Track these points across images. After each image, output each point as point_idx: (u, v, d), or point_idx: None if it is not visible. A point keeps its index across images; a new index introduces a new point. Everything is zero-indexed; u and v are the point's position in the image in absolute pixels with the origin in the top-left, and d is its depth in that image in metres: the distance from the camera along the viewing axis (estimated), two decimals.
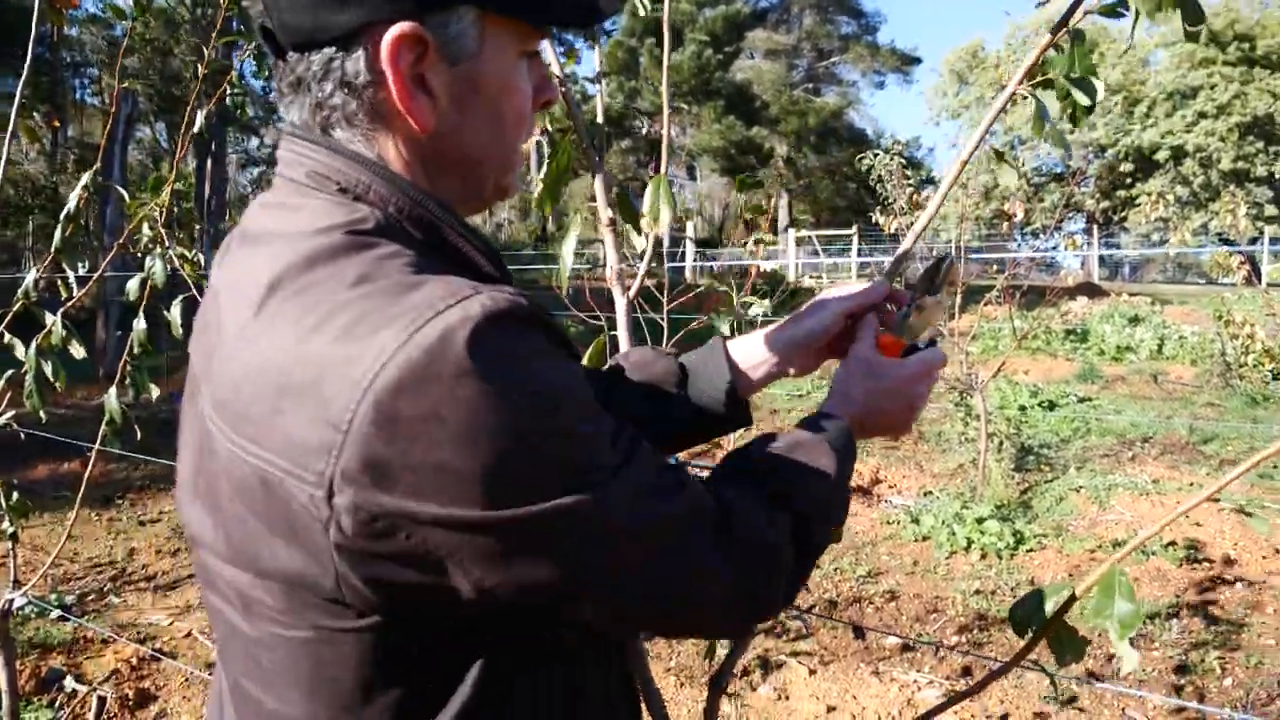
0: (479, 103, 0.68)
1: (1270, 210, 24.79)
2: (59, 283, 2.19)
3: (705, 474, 0.83)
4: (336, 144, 0.67)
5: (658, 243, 1.36)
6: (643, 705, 1.05)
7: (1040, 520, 4.83)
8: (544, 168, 1.27)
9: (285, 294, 0.60)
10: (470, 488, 0.54)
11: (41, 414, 2.05)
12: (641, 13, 1.22)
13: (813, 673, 3.26)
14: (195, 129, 2.32)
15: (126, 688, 3.13)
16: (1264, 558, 4.22)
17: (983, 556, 4.38)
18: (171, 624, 3.74)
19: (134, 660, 3.32)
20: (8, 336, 1.96)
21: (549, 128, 1.29)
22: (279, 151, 0.70)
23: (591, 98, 1.40)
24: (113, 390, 2.07)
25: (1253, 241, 21.27)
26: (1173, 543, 4.30)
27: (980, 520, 4.61)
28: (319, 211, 0.64)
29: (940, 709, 1.22)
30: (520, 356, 0.57)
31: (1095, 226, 28.38)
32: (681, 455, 1.19)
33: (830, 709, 3.03)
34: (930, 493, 5.39)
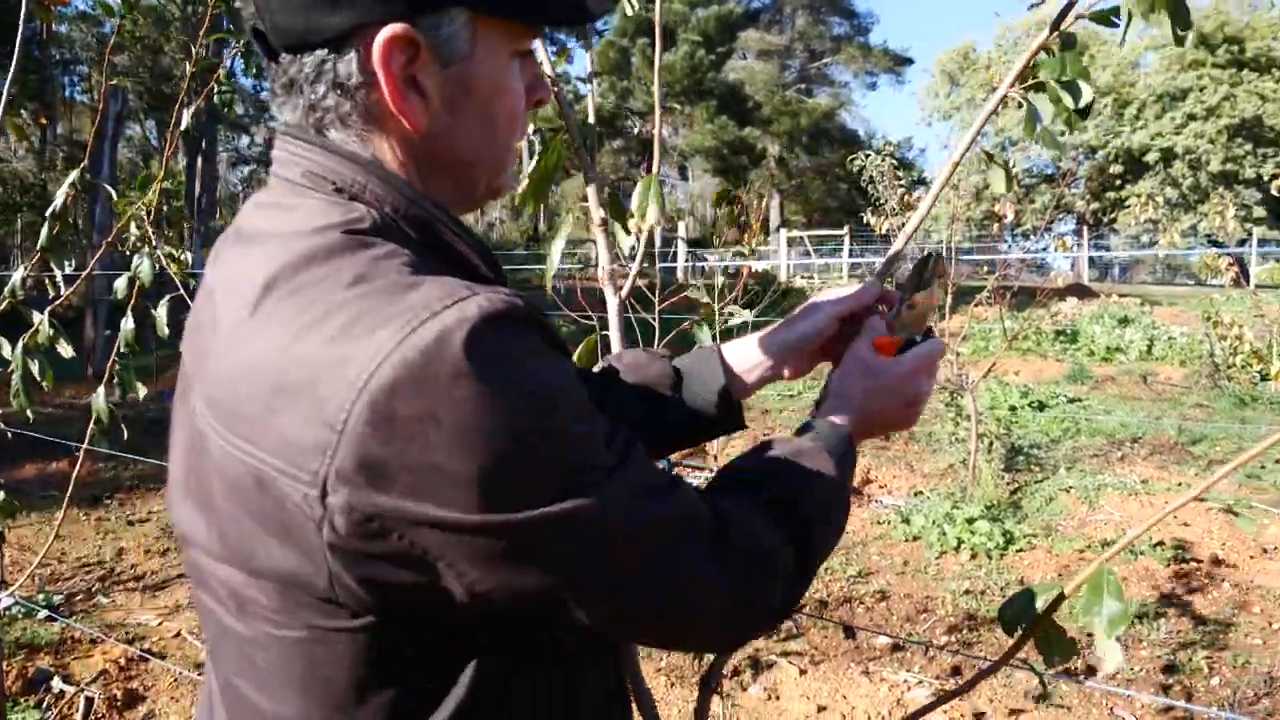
0: (471, 103, 0.68)
1: (1259, 212, 24.92)
2: (46, 281, 2.18)
3: (697, 477, 0.82)
4: (332, 144, 0.67)
5: (649, 242, 1.36)
6: (633, 705, 1.05)
7: (1030, 520, 4.85)
8: (531, 166, 1.26)
9: (281, 293, 0.59)
10: (465, 489, 0.54)
11: (29, 413, 2.03)
12: (630, 12, 1.22)
13: (803, 672, 3.27)
14: (183, 127, 2.31)
15: (115, 688, 3.11)
16: (1251, 558, 4.24)
17: (973, 556, 4.40)
18: (160, 624, 3.72)
19: (122, 661, 3.31)
20: None
21: (540, 126, 1.29)
22: (274, 151, 0.70)
23: (584, 98, 1.40)
24: (100, 389, 2.06)
25: (1241, 243, 21.42)
26: (1161, 543, 4.32)
27: (970, 520, 4.62)
28: (315, 211, 0.64)
29: (929, 708, 1.22)
30: (516, 358, 0.57)
31: (1085, 228, 28.50)
32: (671, 457, 1.20)
33: (821, 709, 3.03)
34: (921, 493, 5.40)
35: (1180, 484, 5.41)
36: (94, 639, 3.49)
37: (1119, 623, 0.99)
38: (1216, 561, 4.22)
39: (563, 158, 1.28)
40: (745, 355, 0.99)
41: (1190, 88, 26.60)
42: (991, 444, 5.39)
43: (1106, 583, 1.01)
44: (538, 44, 1.24)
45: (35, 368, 1.95)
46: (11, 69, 1.98)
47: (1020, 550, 4.44)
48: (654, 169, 1.36)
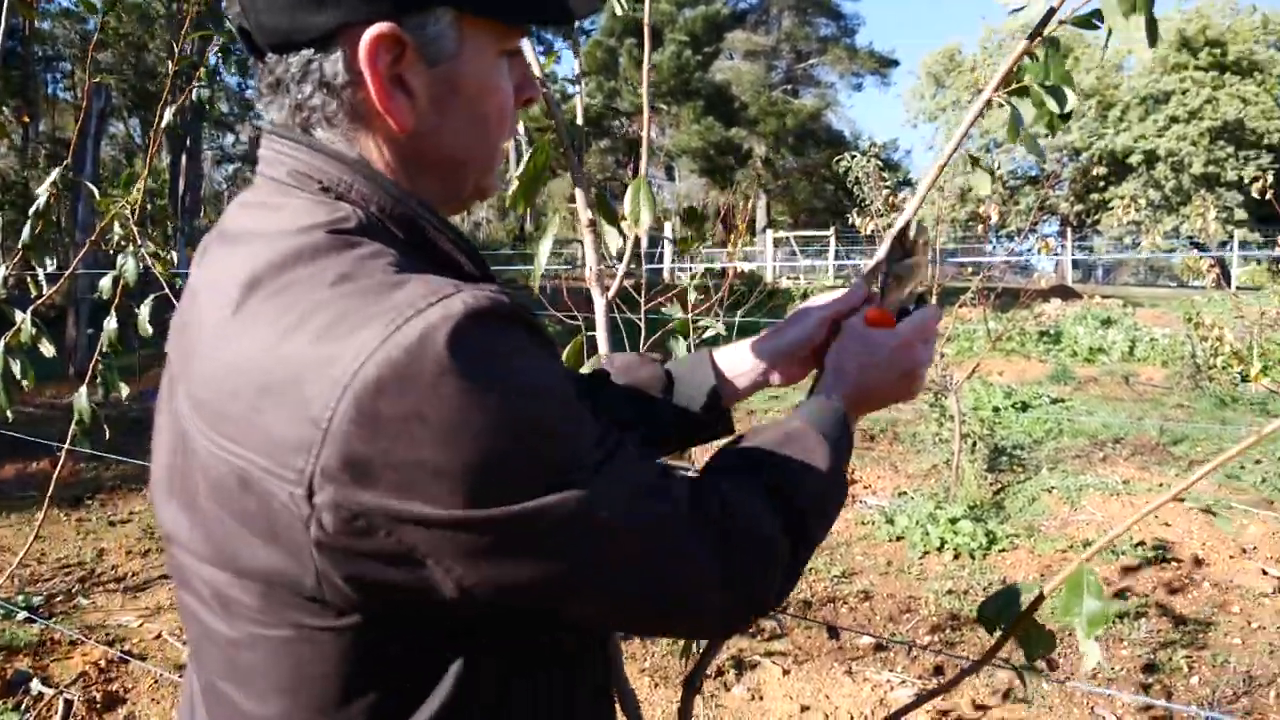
0: (459, 103, 0.68)
1: (1240, 215, 25.14)
2: (28, 280, 2.16)
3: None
4: (318, 143, 0.67)
5: (636, 243, 1.36)
6: (617, 707, 1.05)
7: (1013, 520, 4.88)
8: (520, 167, 1.27)
9: (265, 293, 0.59)
10: (452, 486, 0.54)
11: (9, 413, 2.02)
12: (619, 12, 1.22)
13: (787, 673, 3.28)
14: (165, 124, 2.29)
15: (94, 690, 3.09)
16: (1231, 558, 4.28)
17: (956, 556, 4.42)
18: (141, 625, 3.70)
19: (102, 662, 3.29)
20: None
21: (528, 126, 1.29)
22: (260, 150, 0.70)
23: (571, 98, 1.41)
24: (83, 389, 2.05)
25: (1223, 245, 21.60)
26: (1142, 543, 4.35)
27: (954, 520, 4.65)
28: (300, 210, 0.64)
29: (911, 707, 1.23)
30: (502, 355, 0.57)
31: (1069, 229, 28.68)
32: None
33: (804, 709, 3.04)
34: (905, 493, 5.42)
35: (1161, 484, 5.46)
36: (74, 640, 3.47)
37: (1098, 621, 1.00)
38: (1197, 561, 4.26)
39: (551, 158, 1.29)
40: (736, 361, 0.99)
41: (1173, 90, 26.81)
42: (975, 444, 5.42)
43: (1086, 582, 1.02)
44: (525, 44, 1.24)
45: (17, 367, 1.94)
46: None
47: (1003, 550, 4.47)
48: (642, 170, 1.36)
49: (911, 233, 0.95)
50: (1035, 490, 5.34)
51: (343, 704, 0.62)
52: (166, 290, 2.22)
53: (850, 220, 7.02)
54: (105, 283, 2.07)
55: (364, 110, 0.66)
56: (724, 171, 28.06)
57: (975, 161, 1.17)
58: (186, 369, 0.65)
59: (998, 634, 1.07)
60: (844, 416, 0.85)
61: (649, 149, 1.49)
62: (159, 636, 3.59)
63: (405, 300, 0.56)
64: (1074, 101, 1.03)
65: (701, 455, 2.89)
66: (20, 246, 2.02)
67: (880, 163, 6.87)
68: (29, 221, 2.02)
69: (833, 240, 23.67)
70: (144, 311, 2.17)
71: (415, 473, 0.53)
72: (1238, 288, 15.48)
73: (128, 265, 2.16)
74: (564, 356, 1.29)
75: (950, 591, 4.01)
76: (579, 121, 1.29)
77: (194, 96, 2.44)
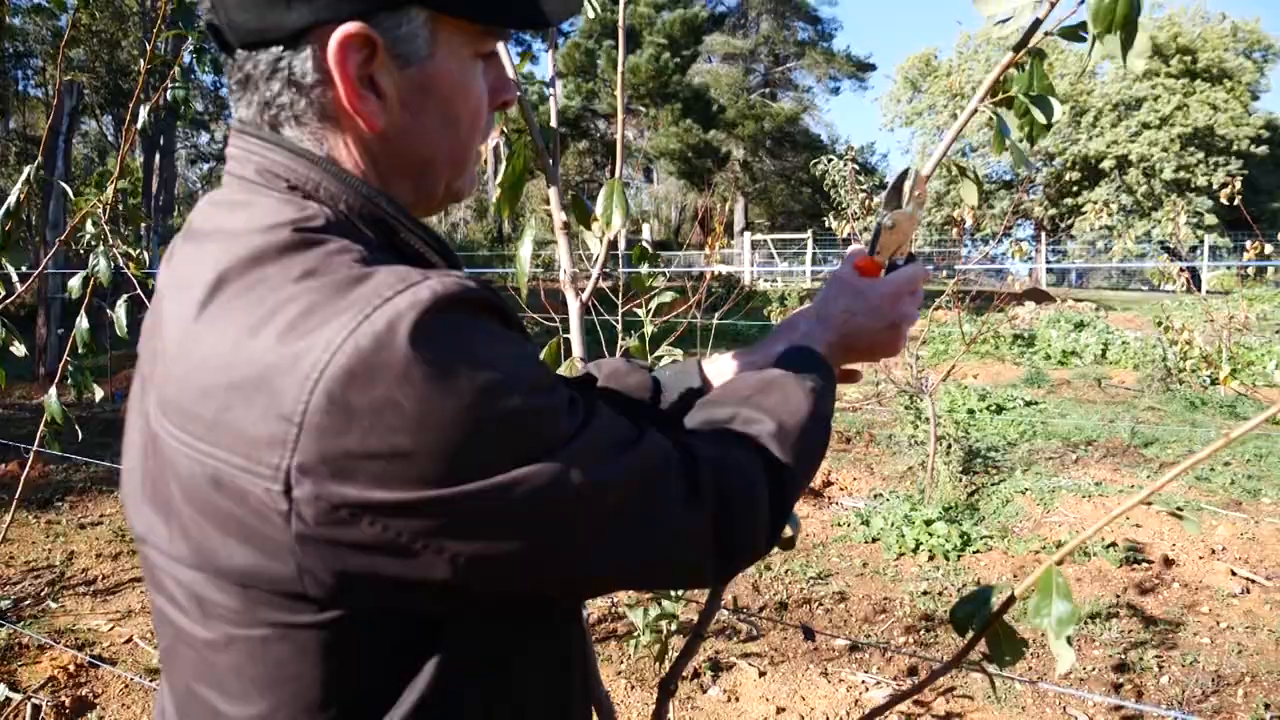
0: (431, 104, 0.68)
1: (1210, 220, 25.50)
2: None
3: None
4: (286, 141, 0.66)
5: (612, 245, 1.36)
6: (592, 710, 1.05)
7: (987, 522, 4.92)
8: (500, 172, 1.26)
9: (231, 291, 0.59)
10: (431, 467, 0.54)
11: None
12: (592, 14, 1.22)
13: (762, 674, 3.29)
14: (139, 124, 2.27)
15: (63, 695, 3.05)
16: (1200, 558, 4.34)
17: (930, 558, 4.45)
18: (112, 629, 3.65)
19: (71, 667, 3.24)
20: None
21: (505, 129, 1.29)
22: (228, 149, 0.70)
23: (549, 99, 1.40)
24: (53, 390, 2.02)
25: (1193, 250, 21.88)
26: (1113, 544, 4.40)
27: (929, 522, 4.68)
28: (268, 209, 0.64)
29: (883, 708, 1.24)
30: (471, 338, 0.57)
31: (1043, 233, 28.97)
32: None
33: (780, 710, 3.05)
34: (880, 495, 5.46)
35: (1133, 485, 5.52)
36: (42, 645, 3.42)
37: (1068, 623, 1.01)
38: (1167, 562, 4.31)
39: (528, 160, 1.29)
40: (724, 370, 1.00)
41: (1145, 97, 27.18)
42: (950, 447, 5.46)
43: (1056, 585, 1.03)
44: (502, 46, 1.24)
45: None
46: None
47: (977, 551, 4.50)
48: (617, 172, 1.36)
49: (908, 183, 0.95)
50: (1009, 492, 5.39)
51: (322, 701, 0.62)
52: (139, 290, 2.20)
53: (827, 223, 7.06)
54: (75, 282, 2.05)
55: (333, 110, 0.65)
56: (702, 174, 28.11)
57: (962, 171, 1.17)
58: (155, 370, 0.64)
59: (969, 635, 1.08)
60: (825, 362, 0.86)
61: (626, 152, 1.49)
62: (130, 640, 3.55)
63: (372, 290, 0.56)
64: (1059, 112, 1.04)
65: None
66: None
67: (857, 166, 6.91)
68: None
69: (810, 243, 23.79)
70: (120, 312, 2.15)
71: (393, 459, 0.54)
72: (1207, 292, 15.70)
73: (100, 265, 2.14)
74: (542, 358, 1.29)
75: (925, 593, 4.03)
76: (553, 124, 1.29)
77: (168, 96, 2.42)
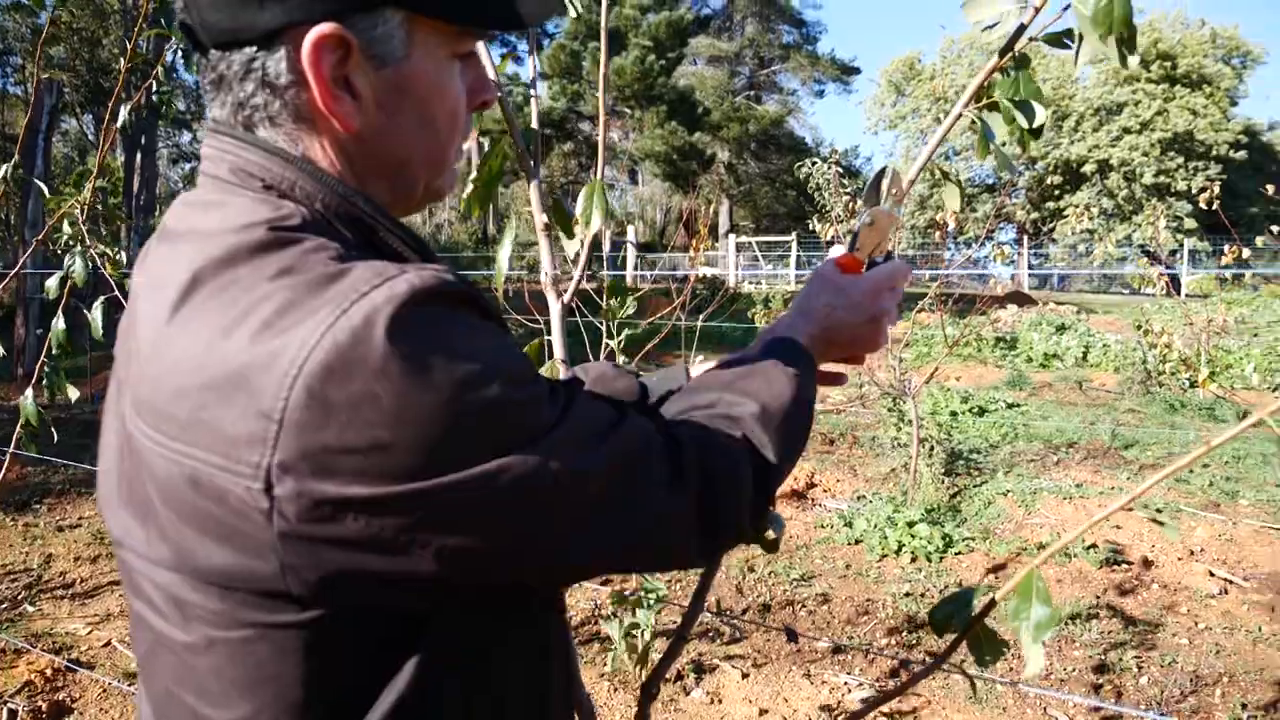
0: (408, 104, 0.67)
1: (1190, 224, 25.74)
2: None
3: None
4: (260, 140, 0.66)
5: (596, 246, 1.36)
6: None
7: (969, 524, 4.95)
8: (475, 171, 1.26)
9: (207, 291, 0.59)
10: (412, 460, 0.54)
11: None
12: (573, 14, 1.22)
13: (745, 676, 3.29)
14: (119, 123, 2.25)
15: (40, 700, 3.02)
16: (1179, 560, 4.37)
17: (913, 559, 4.47)
18: (90, 633, 3.61)
19: (48, 671, 3.21)
20: None
21: (490, 129, 1.28)
22: (203, 148, 0.69)
23: (535, 100, 1.40)
24: (29, 391, 2.00)
25: (1172, 254, 22.09)
26: (1094, 545, 4.43)
27: (911, 524, 4.70)
28: (243, 208, 0.63)
29: (865, 710, 1.24)
30: (449, 330, 0.57)
31: (1025, 236, 29.16)
32: None
33: (763, 712, 3.06)
34: (863, 497, 5.47)
35: (1113, 487, 5.56)
36: (19, 649, 3.38)
37: (1047, 626, 1.01)
38: (1147, 563, 4.34)
39: (508, 161, 1.28)
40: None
41: (1125, 102, 27.41)
42: (932, 449, 5.48)
43: (1036, 588, 1.03)
44: (481, 46, 1.23)
45: None
46: None
47: (959, 553, 4.52)
48: (598, 174, 1.36)
49: (885, 181, 0.96)
50: (991, 494, 5.41)
51: (304, 701, 0.61)
52: (117, 291, 2.18)
53: (811, 226, 7.09)
54: (52, 283, 2.03)
55: (308, 111, 0.65)
56: (687, 176, 28.15)
57: (945, 175, 1.18)
58: (130, 372, 0.64)
59: (950, 638, 1.08)
60: (807, 352, 0.87)
61: (610, 153, 1.49)
62: (108, 644, 3.51)
63: (349, 286, 0.56)
64: (1043, 116, 1.04)
65: None
66: None
67: (841, 169, 6.94)
68: None
69: (794, 245, 23.85)
70: (96, 313, 2.13)
71: (374, 453, 0.53)
72: (1187, 295, 15.84)
73: (76, 265, 2.11)
74: None
75: (908, 594, 4.05)
76: (535, 126, 1.29)
77: (150, 96, 2.40)
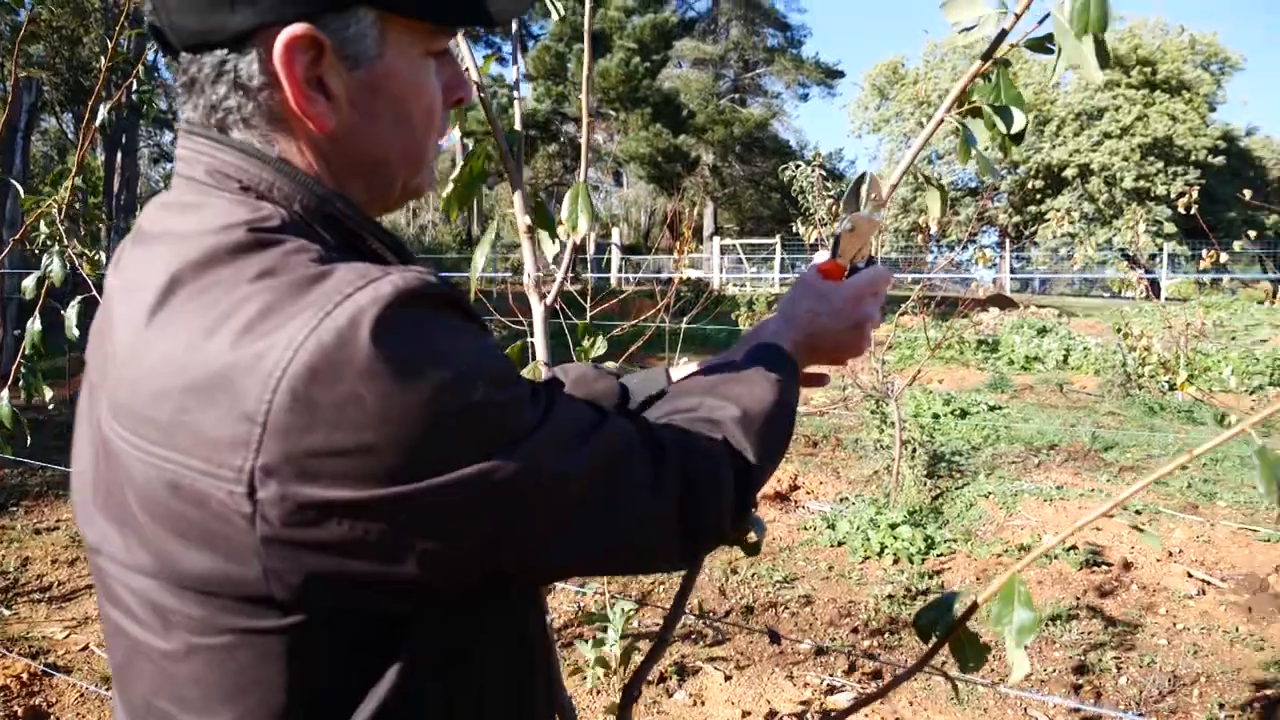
0: (382, 103, 0.67)
1: (1169, 228, 25.99)
2: None
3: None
4: (236, 141, 0.65)
5: (580, 249, 1.36)
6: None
7: (951, 525, 4.97)
8: (456, 172, 1.25)
9: (185, 293, 0.58)
10: (397, 463, 0.54)
11: None
12: (557, 16, 1.22)
13: (728, 678, 3.29)
14: (99, 122, 2.23)
15: (16, 705, 2.98)
16: (1158, 561, 4.41)
17: (895, 561, 4.49)
18: (67, 637, 3.58)
19: (25, 675, 3.17)
20: None
21: (474, 130, 1.28)
22: (177, 149, 0.68)
23: (518, 102, 1.40)
24: (4, 393, 1.98)
25: (1152, 258, 22.30)
26: (1074, 547, 4.46)
27: (893, 526, 4.72)
28: (220, 210, 0.63)
29: (847, 712, 1.24)
30: (433, 332, 0.57)
31: (1007, 240, 29.37)
32: None
33: (745, 713, 3.06)
34: (846, 499, 5.49)
35: (1093, 489, 5.60)
36: None
37: (1029, 631, 1.02)
38: (1126, 565, 4.38)
39: (491, 163, 1.28)
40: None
41: (1106, 107, 27.66)
42: (915, 451, 5.50)
43: (1017, 593, 1.04)
44: (465, 47, 1.23)
45: None
46: None
47: (941, 555, 4.54)
48: (581, 176, 1.36)
49: (865, 187, 0.96)
50: (973, 495, 5.44)
51: (286, 707, 0.61)
52: (95, 291, 2.16)
53: (795, 229, 7.11)
54: (29, 283, 2.01)
55: (281, 112, 0.64)
56: (672, 178, 28.19)
57: (928, 180, 1.18)
58: (105, 376, 0.63)
59: (932, 641, 1.08)
60: (790, 358, 0.87)
61: (595, 155, 1.49)
62: (86, 648, 3.48)
63: (333, 287, 0.55)
64: (1022, 121, 1.05)
65: None
66: None
67: (824, 172, 6.97)
68: None
69: (778, 248, 23.93)
70: (71, 314, 2.10)
71: (359, 456, 0.53)
72: (1166, 299, 15.98)
73: (54, 265, 2.09)
74: None
75: (890, 596, 4.06)
76: (518, 127, 1.29)
77: (131, 94, 2.38)
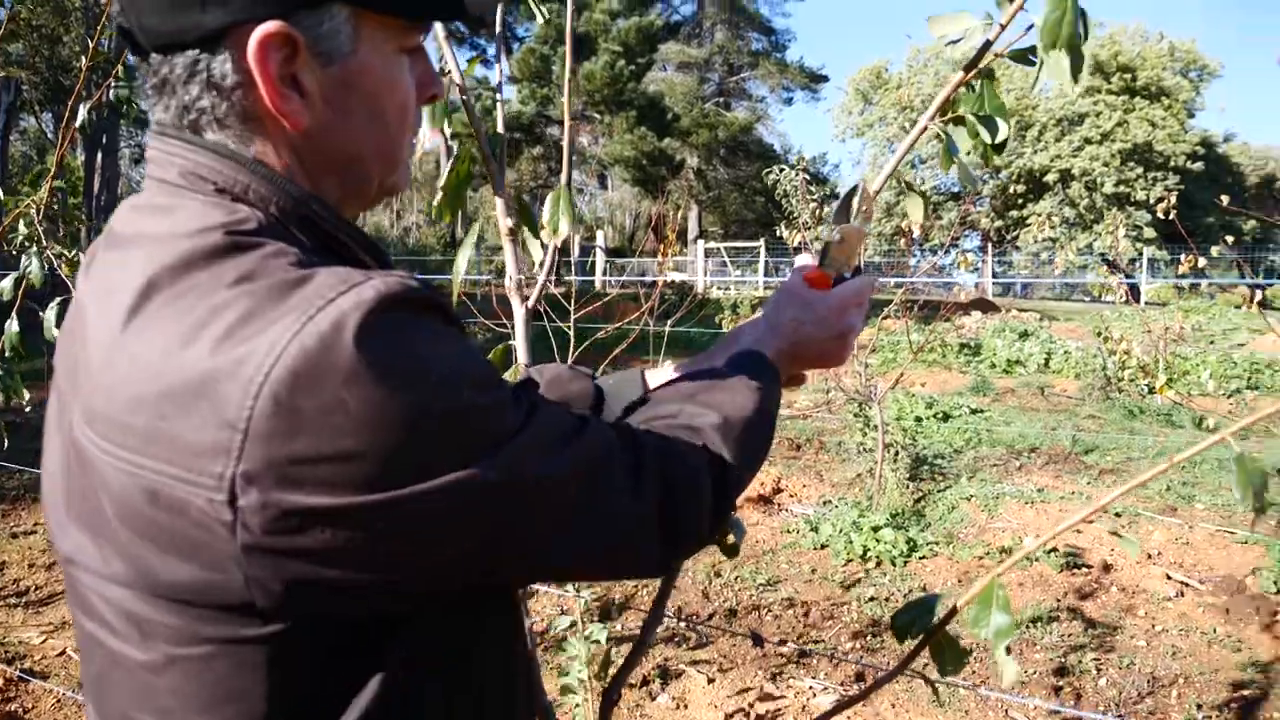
0: (357, 100, 0.67)
1: (1149, 233, 26.23)
2: None
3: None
4: (210, 143, 0.64)
5: (564, 251, 1.36)
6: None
7: (933, 528, 4.99)
8: (444, 176, 1.25)
9: (162, 298, 0.57)
10: (380, 470, 0.53)
11: None
12: (541, 20, 1.22)
13: (711, 681, 3.29)
14: (79, 122, 2.22)
15: None
16: (1137, 563, 4.45)
17: (878, 564, 4.50)
18: (44, 642, 3.54)
19: (0, 681, 3.14)
20: None
21: (459, 132, 1.27)
22: (149, 151, 0.67)
23: (504, 104, 1.39)
24: None
25: (1132, 262, 22.50)
26: (1055, 549, 4.49)
27: (876, 528, 4.73)
28: (195, 213, 0.62)
29: (829, 715, 1.24)
30: (415, 337, 0.56)
31: (989, 244, 29.56)
32: None
33: (728, 716, 3.06)
34: (829, 502, 5.51)
35: (1074, 492, 5.64)
36: None
37: (1006, 634, 1.03)
38: (1106, 567, 4.41)
39: (474, 164, 1.27)
40: (669, 380, 1.00)
41: (1087, 113, 27.92)
42: (897, 454, 5.53)
43: (996, 597, 1.05)
44: (447, 50, 1.23)
45: None
46: None
47: (923, 557, 4.56)
48: (564, 179, 1.36)
49: (856, 199, 0.97)
50: (955, 498, 5.47)
51: (266, 717, 0.60)
52: (73, 292, 2.14)
53: (779, 232, 7.13)
54: (6, 284, 1.99)
55: (256, 111, 0.64)
56: (656, 181, 28.21)
57: (910, 187, 1.19)
58: (77, 382, 0.62)
59: (913, 643, 1.09)
60: (772, 366, 0.88)
61: (579, 158, 1.49)
62: (63, 654, 3.44)
63: (314, 292, 0.55)
64: (1005, 131, 1.06)
65: None
66: None
67: (809, 176, 6.99)
68: None
69: (763, 251, 24.00)
70: (50, 315, 2.08)
71: (341, 462, 0.53)
72: (1146, 303, 16.13)
73: (32, 266, 2.07)
74: None
75: (872, 598, 4.08)
76: (500, 130, 1.28)
77: (111, 94, 2.36)
